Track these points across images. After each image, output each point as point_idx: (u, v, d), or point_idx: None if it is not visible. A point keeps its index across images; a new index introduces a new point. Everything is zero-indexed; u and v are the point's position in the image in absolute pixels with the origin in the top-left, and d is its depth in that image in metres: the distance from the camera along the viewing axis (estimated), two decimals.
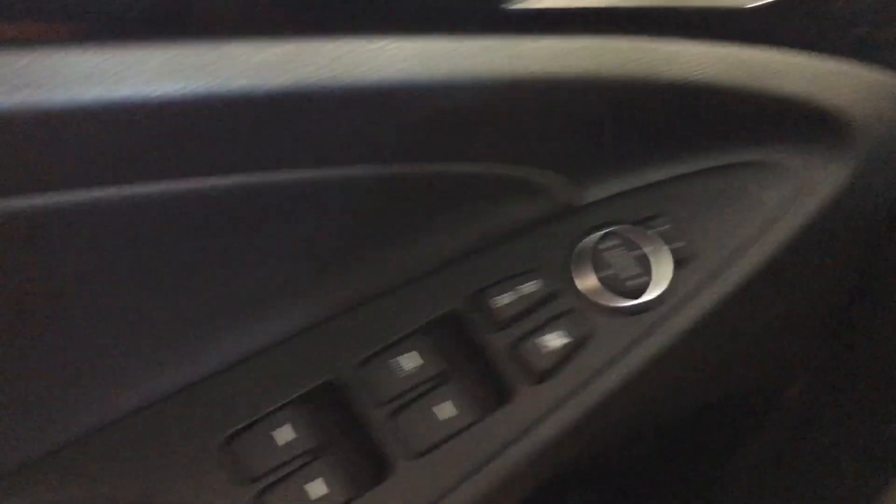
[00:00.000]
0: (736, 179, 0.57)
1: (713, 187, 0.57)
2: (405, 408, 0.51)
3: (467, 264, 0.55)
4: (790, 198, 0.56)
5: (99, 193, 0.42)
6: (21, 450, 0.48)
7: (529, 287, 0.54)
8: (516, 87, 0.48)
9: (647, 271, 0.55)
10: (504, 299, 0.54)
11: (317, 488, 0.49)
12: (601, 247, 0.55)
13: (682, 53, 0.50)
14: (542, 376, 0.52)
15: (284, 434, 0.50)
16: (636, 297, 0.54)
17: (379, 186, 0.50)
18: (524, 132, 0.52)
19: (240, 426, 0.50)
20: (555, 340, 0.53)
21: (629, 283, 0.54)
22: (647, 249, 0.55)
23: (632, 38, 0.49)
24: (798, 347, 0.71)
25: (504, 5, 0.45)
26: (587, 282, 0.55)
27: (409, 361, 0.53)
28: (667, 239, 0.56)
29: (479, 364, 0.54)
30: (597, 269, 0.55)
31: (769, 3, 0.51)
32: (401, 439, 0.51)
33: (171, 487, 0.48)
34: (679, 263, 0.55)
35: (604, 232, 0.56)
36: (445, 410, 0.52)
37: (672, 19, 0.50)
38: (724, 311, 0.55)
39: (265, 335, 0.52)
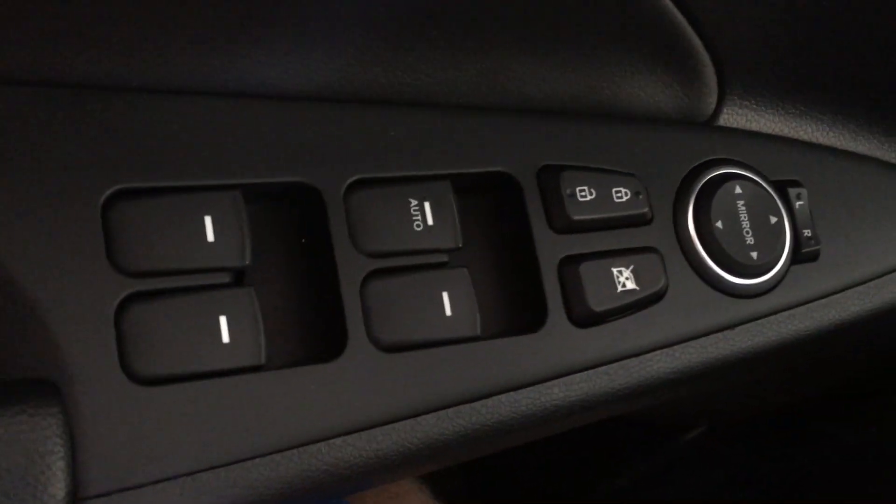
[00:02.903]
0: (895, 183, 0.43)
1: (860, 183, 0.43)
2: (382, 276, 0.33)
3: (556, 125, 0.37)
4: None
5: None
6: None
7: (620, 194, 0.37)
8: None
9: (764, 247, 0.39)
10: (582, 194, 0.36)
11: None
12: (724, 190, 0.39)
13: None
14: (586, 319, 0.36)
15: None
16: (738, 274, 0.39)
17: None
18: None
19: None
20: (622, 280, 0.36)
21: (737, 252, 0.39)
22: (774, 221, 0.40)
23: None
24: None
25: None
26: (692, 223, 0.38)
27: (420, 214, 0.34)
28: (798, 219, 0.40)
29: (510, 262, 0.37)
30: (710, 214, 0.38)
31: None
32: (367, 318, 0.32)
33: None
34: (797, 256, 0.40)
35: (731, 172, 0.40)
36: (438, 306, 0.34)
37: None
38: (816, 337, 0.41)
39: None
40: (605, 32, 0.37)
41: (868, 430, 0.60)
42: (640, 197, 0.37)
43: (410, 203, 0.34)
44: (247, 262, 0.31)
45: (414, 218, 0.34)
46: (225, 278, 0.31)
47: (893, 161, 0.43)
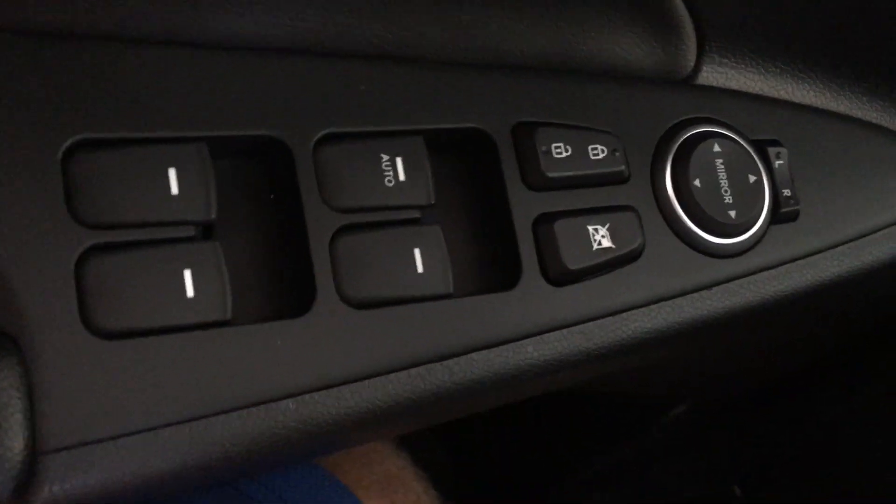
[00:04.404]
0: (876, 146, 0.43)
1: (844, 141, 0.42)
2: (352, 231, 0.32)
3: (531, 81, 0.37)
4: None
5: None
6: None
7: (596, 152, 0.37)
8: None
9: (742, 206, 0.39)
10: (557, 152, 0.36)
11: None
12: (703, 148, 0.38)
13: None
14: (561, 277, 0.35)
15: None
16: (716, 234, 0.38)
17: None
18: None
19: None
20: (598, 238, 0.36)
21: (715, 211, 0.38)
22: (753, 180, 0.39)
23: None
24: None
25: None
26: (669, 182, 0.38)
27: (391, 170, 0.33)
28: (777, 179, 0.40)
29: (484, 220, 0.36)
30: (686, 174, 0.38)
31: None
32: (337, 274, 0.32)
33: None
34: (776, 216, 0.40)
35: (710, 130, 0.39)
36: (410, 262, 0.33)
37: None
38: (799, 297, 0.40)
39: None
40: None
41: (847, 403, 0.60)
42: (617, 154, 0.37)
43: (382, 158, 0.33)
44: (212, 216, 0.30)
45: (385, 173, 0.33)
46: (190, 232, 0.30)
47: (875, 121, 0.43)
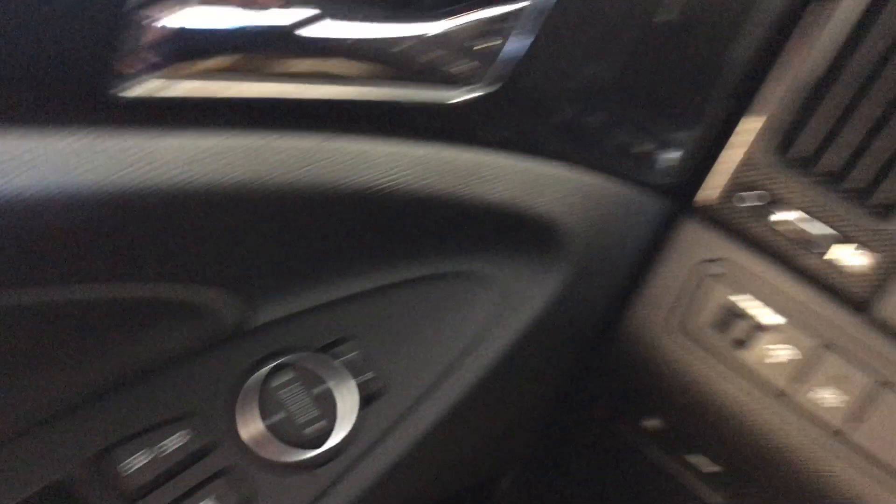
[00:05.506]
0: (435, 294, 0.49)
1: (409, 303, 0.48)
2: None
3: (98, 409, 0.41)
4: (499, 312, 0.49)
5: None
6: None
7: (174, 441, 0.41)
8: (146, 195, 0.35)
9: (328, 412, 0.44)
10: (135, 462, 0.41)
11: None
12: (273, 383, 0.44)
13: (370, 154, 0.40)
14: None
15: None
16: (314, 447, 0.44)
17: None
18: (174, 246, 0.40)
19: None
20: None
21: (306, 430, 0.44)
22: (330, 384, 0.45)
23: (305, 136, 0.38)
24: (508, 450, 0.64)
25: (115, 91, 0.32)
26: (253, 429, 0.43)
27: None
28: (353, 370, 0.45)
29: None
30: (265, 413, 0.43)
31: (472, 98, 0.42)
32: None
33: None
34: (366, 399, 0.45)
35: (276, 363, 0.45)
36: None
37: (360, 114, 0.39)
38: (420, 446, 0.46)
39: None
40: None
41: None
42: (198, 431, 0.42)
43: None
44: None
45: None
46: None
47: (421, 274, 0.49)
